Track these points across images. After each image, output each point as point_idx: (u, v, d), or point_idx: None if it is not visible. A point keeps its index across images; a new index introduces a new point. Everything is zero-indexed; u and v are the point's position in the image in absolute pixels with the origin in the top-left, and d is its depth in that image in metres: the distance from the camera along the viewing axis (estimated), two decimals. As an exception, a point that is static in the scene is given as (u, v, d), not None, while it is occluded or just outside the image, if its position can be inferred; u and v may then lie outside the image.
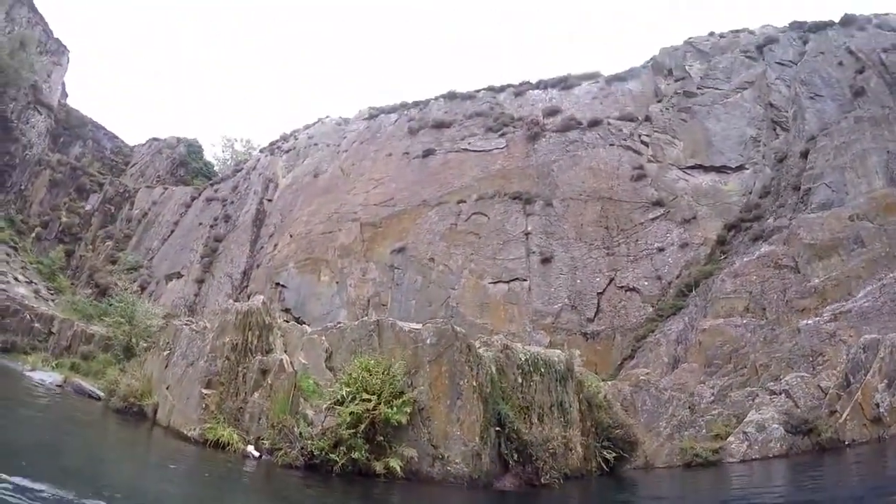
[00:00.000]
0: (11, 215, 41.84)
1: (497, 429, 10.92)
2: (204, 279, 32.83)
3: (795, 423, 15.78)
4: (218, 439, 11.33)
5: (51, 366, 20.83)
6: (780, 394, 16.77)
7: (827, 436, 15.16)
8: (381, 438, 10.32)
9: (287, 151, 39.13)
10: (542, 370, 12.60)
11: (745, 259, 20.62)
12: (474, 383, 10.87)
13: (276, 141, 41.90)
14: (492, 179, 27.22)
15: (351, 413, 10.41)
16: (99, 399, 16.31)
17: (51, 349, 23.82)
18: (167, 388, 14.28)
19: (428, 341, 11.36)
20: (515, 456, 10.84)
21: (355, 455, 10.11)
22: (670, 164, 25.56)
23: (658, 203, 23.89)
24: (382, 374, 10.79)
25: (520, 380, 12.11)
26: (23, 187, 44.16)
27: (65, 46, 48.53)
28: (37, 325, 25.23)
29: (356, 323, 13.06)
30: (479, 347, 12.02)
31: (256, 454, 10.96)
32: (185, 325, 16.36)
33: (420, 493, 9.75)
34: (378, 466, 10.06)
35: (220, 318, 14.09)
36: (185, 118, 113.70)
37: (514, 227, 24.86)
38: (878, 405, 14.88)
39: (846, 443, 14.90)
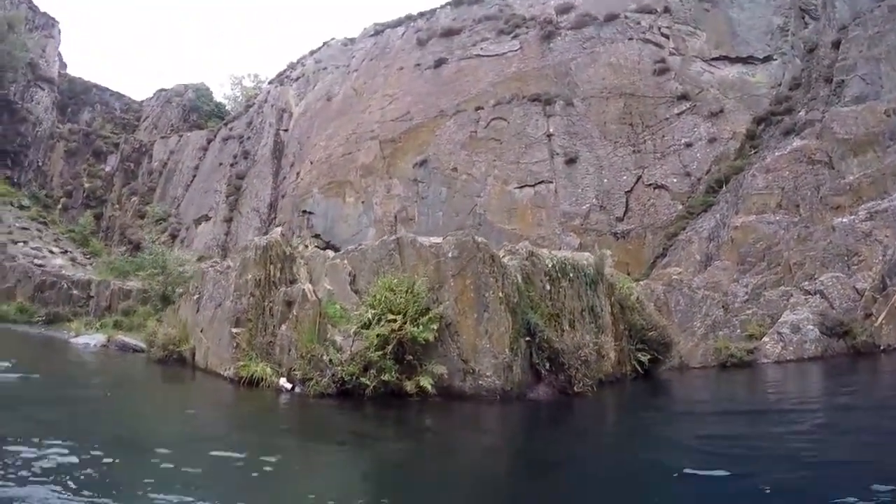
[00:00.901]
0: (35, 192, 42.39)
1: (527, 339, 10.56)
2: (232, 217, 32.85)
3: (830, 324, 15.36)
4: (252, 376, 11.30)
5: (94, 328, 21.21)
6: (815, 294, 16.26)
7: (862, 339, 14.82)
8: (411, 358, 10.07)
9: (296, 80, 37.99)
10: (571, 275, 12.09)
11: (776, 154, 19.53)
12: (500, 294, 10.42)
13: (284, 71, 40.62)
14: (508, 83, 25.91)
15: (378, 335, 10.14)
16: (142, 351, 16.51)
17: (92, 312, 24.29)
18: (201, 332, 14.34)
19: (450, 255, 10.85)
20: (547, 365, 10.50)
21: (386, 377, 9.91)
22: (694, 56, 23.93)
23: (683, 97, 22.52)
24: (406, 292, 10.40)
25: (548, 287, 11.62)
26: (40, 163, 44.51)
27: (53, 19, 47.81)
28: (75, 291, 25.67)
29: (376, 243, 12.58)
30: (504, 256, 11.51)
31: (289, 386, 10.90)
32: (210, 267, 16.26)
33: (453, 409, 9.57)
34: (409, 386, 9.87)
35: (240, 255, 13.84)
36: (188, 65, 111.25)
37: (535, 129, 23.84)
38: None
39: (881, 347, 14.59)
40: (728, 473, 5.40)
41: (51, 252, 36.08)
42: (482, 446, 7.42)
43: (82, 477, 4.71)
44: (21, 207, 40.38)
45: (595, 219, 20.99)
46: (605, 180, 21.68)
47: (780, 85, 22.16)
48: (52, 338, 19.52)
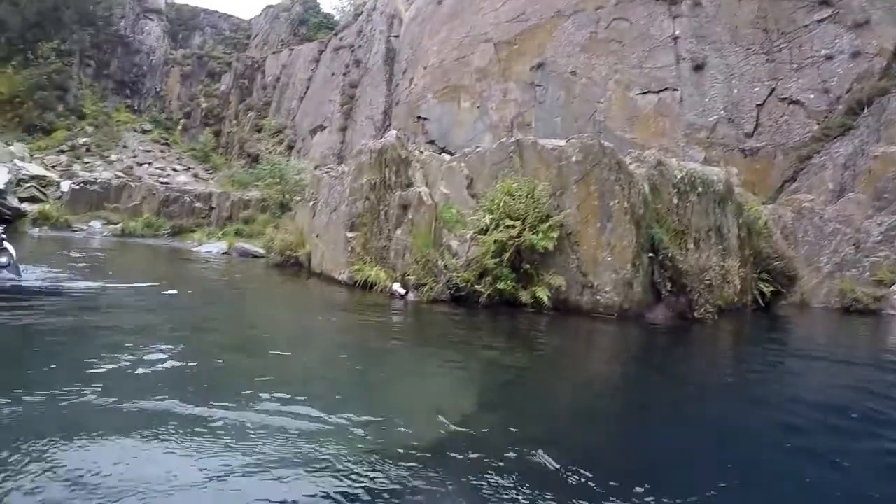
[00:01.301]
0: (155, 116, 44.87)
1: (650, 255, 9.88)
2: (346, 126, 33.19)
3: None
4: (366, 279, 11.41)
5: (216, 237, 22.30)
6: None
7: None
8: (528, 266, 9.75)
9: (405, -16, 36.78)
10: (700, 189, 11.10)
11: None
12: (626, 204, 9.73)
13: (393, -24, 39.37)
14: (630, -19, 23.66)
15: (495, 241, 9.84)
16: (261, 257, 17.19)
17: (214, 222, 25.57)
18: (316, 237, 14.61)
19: (573, 159, 10.15)
20: (669, 286, 9.82)
21: (501, 285, 9.68)
22: None
23: (825, 2, 19.58)
24: (526, 197, 9.91)
25: (675, 200, 10.73)
26: (158, 89, 46.75)
27: (155, -49, 48.40)
28: (197, 204, 26.99)
29: (495, 145, 12.00)
30: (630, 164, 10.66)
31: (402, 291, 10.90)
32: (326, 172, 16.39)
33: (567, 323, 9.17)
34: (525, 296, 9.59)
35: (355, 159, 13.79)
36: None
37: (659, 31, 21.75)
38: None
39: None
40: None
41: (174, 170, 38.51)
42: (598, 364, 7.08)
43: (196, 374, 4.81)
44: (144, 132, 43.10)
45: (722, 132, 19.21)
46: (735, 91, 19.61)
47: None
48: (178, 248, 20.62)
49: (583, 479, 3.23)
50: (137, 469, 2.95)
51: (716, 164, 15.32)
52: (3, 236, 8.67)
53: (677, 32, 21.38)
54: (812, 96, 18.68)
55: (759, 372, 6.98)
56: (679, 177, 10.93)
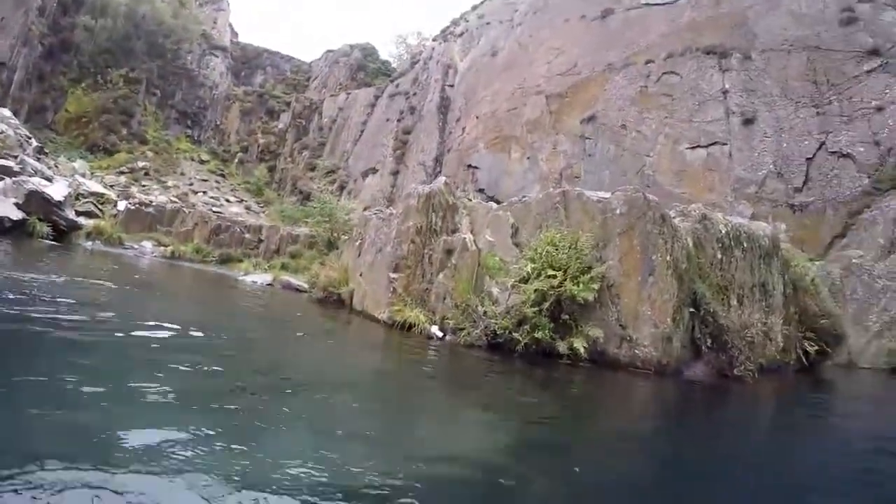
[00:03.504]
0: (213, 148, 46.66)
1: (691, 310, 9.54)
2: (398, 170, 33.75)
3: None
4: (405, 320, 11.34)
5: (262, 268, 22.59)
6: None
7: None
8: (567, 317, 9.50)
9: (460, 35, 37.68)
10: (745, 245, 10.77)
11: None
12: (668, 258, 9.47)
13: (448, 27, 40.44)
14: (680, 34, 23.56)
15: (535, 290, 9.67)
16: (304, 291, 17.36)
17: (262, 254, 25.83)
18: (360, 276, 14.66)
19: (618, 211, 10.00)
20: (709, 342, 9.46)
21: (539, 334, 9.45)
22: (886, 3, 20.03)
23: (874, 52, 19.03)
24: (569, 248, 9.78)
25: (719, 255, 10.42)
26: (218, 122, 48.78)
27: (222, -8, 51.23)
28: (247, 235, 27.39)
29: (542, 195, 11.93)
30: (675, 217, 10.44)
31: (440, 334, 10.81)
32: (374, 213, 16.59)
33: (603, 377, 8.94)
34: (562, 346, 9.33)
35: (403, 203, 13.91)
36: (354, 25, 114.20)
37: (709, 85, 21.56)
38: None
39: None
40: None
41: (227, 201, 39.73)
42: (624, 420, 6.78)
43: (228, 406, 4.79)
44: (201, 162, 44.82)
45: (771, 187, 18.69)
46: (785, 144, 19.12)
47: None
48: (224, 275, 20.95)
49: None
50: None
51: (764, 219, 14.94)
52: None
53: (727, 86, 21.13)
54: (862, 149, 18.04)
55: (783, 440, 6.60)
56: (724, 231, 10.64)
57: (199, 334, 7.57)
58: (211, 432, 3.96)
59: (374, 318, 12.70)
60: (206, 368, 5.84)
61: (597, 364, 9.33)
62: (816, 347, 11.53)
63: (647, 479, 4.53)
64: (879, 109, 18.25)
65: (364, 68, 51.29)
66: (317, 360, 8.13)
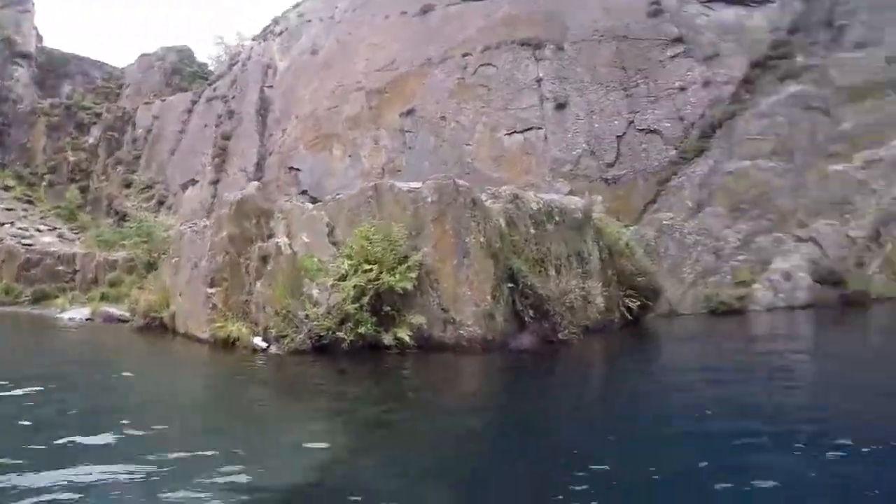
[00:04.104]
0: (18, 171, 41.57)
1: (510, 285, 10.10)
2: (219, 179, 32.12)
3: (823, 273, 15.44)
4: (228, 336, 10.89)
5: (80, 302, 20.69)
6: (808, 241, 16.25)
7: (854, 288, 14.90)
8: (389, 308, 9.68)
9: (280, 34, 36.81)
10: (557, 219, 11.60)
11: (772, 99, 19.05)
12: (482, 239, 9.95)
13: (268, 26, 39.36)
14: (496, 28, 24.81)
15: (354, 286, 9.72)
16: (127, 321, 16.13)
17: (78, 286, 23.56)
18: (179, 295, 13.84)
19: (429, 199, 10.33)
20: (531, 312, 10.06)
21: (362, 329, 9.52)
22: None
23: (678, 40, 21.54)
24: (382, 240, 9.93)
25: (532, 231, 11.11)
26: (23, 141, 43.52)
27: (26, -8, 46.18)
28: (60, 267, 24.86)
29: (354, 191, 12.04)
30: (487, 200, 10.97)
31: (264, 345, 10.47)
32: (189, 227, 15.76)
33: (432, 360, 9.21)
34: (387, 338, 9.49)
35: (215, 213, 13.32)
36: (170, 27, 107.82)
37: (524, 75, 22.91)
38: None
39: (873, 297, 14.69)
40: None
41: (38, 231, 35.54)
42: (463, 401, 7.03)
43: (42, 447, 4.42)
44: (6, 188, 39.77)
45: (585, 164, 20.28)
46: (596, 125, 20.89)
47: (778, 29, 21.12)
48: (39, 316, 19.31)
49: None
50: None
51: (581, 194, 16.15)
52: None
53: (541, 75, 22.61)
54: (668, 125, 20.20)
55: (609, 385, 7.23)
56: (536, 208, 11.35)
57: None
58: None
59: (197, 338, 12.09)
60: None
61: (424, 350, 9.57)
62: (638, 303, 12.72)
63: (484, 452, 4.67)
64: (682, 89, 20.60)
65: (180, 72, 48.32)
66: (134, 394, 7.53)
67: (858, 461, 4.29)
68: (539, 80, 22.53)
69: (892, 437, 4.76)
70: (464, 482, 4.03)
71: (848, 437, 4.72)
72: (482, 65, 23.91)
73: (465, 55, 24.53)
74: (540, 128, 21.66)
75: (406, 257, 9.82)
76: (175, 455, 4.49)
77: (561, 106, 21.62)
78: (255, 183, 14.60)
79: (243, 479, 3.77)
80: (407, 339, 9.39)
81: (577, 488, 3.62)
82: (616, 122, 20.68)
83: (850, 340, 11.09)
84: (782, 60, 20.15)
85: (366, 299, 9.61)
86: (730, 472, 4.07)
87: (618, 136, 20.37)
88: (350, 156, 25.75)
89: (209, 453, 4.59)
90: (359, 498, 3.61)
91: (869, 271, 15.21)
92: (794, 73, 19.45)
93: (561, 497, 3.51)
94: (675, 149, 19.62)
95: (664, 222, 17.00)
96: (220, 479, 3.75)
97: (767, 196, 17.44)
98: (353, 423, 5.61)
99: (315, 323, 9.87)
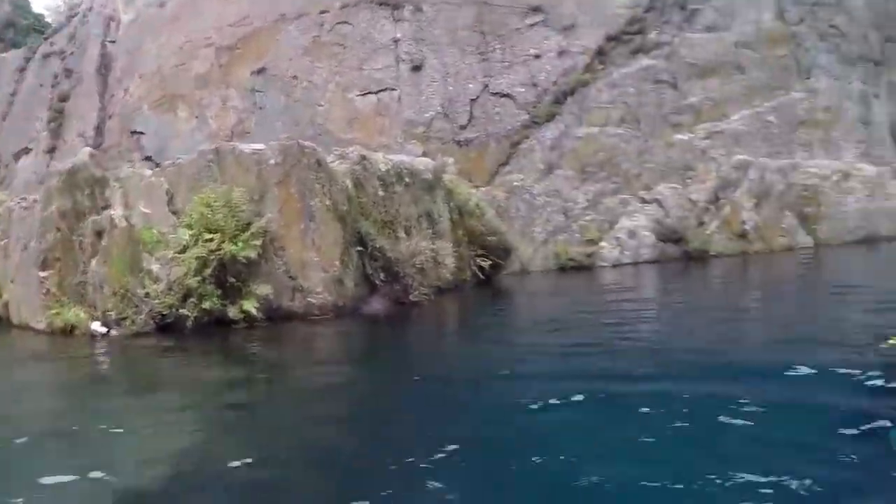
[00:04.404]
0: None
1: (359, 249, 10.08)
2: (56, 146, 28.91)
3: (665, 231, 16.70)
4: (66, 324, 10.02)
5: None
6: (652, 203, 17.45)
7: (694, 245, 16.36)
8: (234, 280, 9.26)
9: (124, -16, 33.44)
10: (407, 180, 11.64)
11: (623, 71, 20.05)
12: (328, 202, 9.80)
13: (110, -25, 35.63)
14: (358, -15, 24.13)
15: (196, 258, 9.18)
16: None
17: None
18: (11, 282, 12.41)
19: (272, 161, 9.95)
20: (381, 275, 10.14)
21: (207, 304, 9.09)
22: None
23: (537, 9, 21.95)
24: (224, 206, 9.43)
25: (381, 192, 11.06)
26: None
27: None
28: None
29: (194, 154, 11.30)
30: (333, 161, 10.76)
31: (103, 330, 9.68)
32: (17, 203, 14.17)
33: (282, 332, 9.05)
34: (233, 311, 9.11)
35: (44, 185, 12.08)
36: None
37: (381, 34, 22.39)
38: (744, 222, 16.58)
39: (711, 253, 16.24)
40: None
41: None
42: (317, 375, 6.83)
43: None
44: None
45: (438, 126, 20.39)
46: (451, 88, 20.99)
47: (636, 6, 21.87)
48: None
49: None
50: None
51: (434, 156, 16.34)
52: None
53: (398, 35, 22.25)
54: (522, 90, 20.76)
55: (456, 343, 7.56)
56: (384, 170, 11.30)
57: None
58: None
59: (33, 328, 10.97)
60: None
61: (273, 321, 9.32)
62: (489, 262, 13.19)
63: (343, 432, 4.58)
64: (538, 57, 21.16)
65: (14, 24, 42.62)
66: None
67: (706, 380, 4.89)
68: (396, 41, 22.19)
69: (738, 359, 5.48)
70: (329, 465, 3.92)
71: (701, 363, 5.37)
72: (339, 23, 23.08)
73: (322, 12, 23.57)
74: (394, 89, 21.43)
75: (249, 224, 9.43)
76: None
77: (417, 68, 21.49)
78: (88, 149, 13.32)
79: (80, 488, 3.50)
80: (254, 311, 9.07)
81: (438, 456, 3.65)
82: (471, 86, 20.92)
83: (690, 288, 12.37)
84: (636, 36, 21.07)
85: (208, 271, 9.15)
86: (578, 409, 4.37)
87: (472, 100, 20.64)
88: (197, 117, 24.10)
89: (40, 461, 4.21)
90: (221, 494, 3.49)
91: (708, 231, 16.70)
92: (647, 49, 20.56)
93: (424, 466, 3.52)
94: (528, 113, 20.25)
95: (515, 184, 17.67)
96: (54, 491, 3.48)
97: (615, 160, 18.57)
98: (202, 412, 5.30)
99: (156, 301, 9.29)
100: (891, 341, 4.54)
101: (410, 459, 3.58)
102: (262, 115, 22.83)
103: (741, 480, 2.94)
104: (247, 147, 10.54)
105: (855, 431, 3.52)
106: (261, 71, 23.35)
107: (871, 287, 9.81)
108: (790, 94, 20.05)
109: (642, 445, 3.58)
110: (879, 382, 4.35)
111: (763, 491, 2.83)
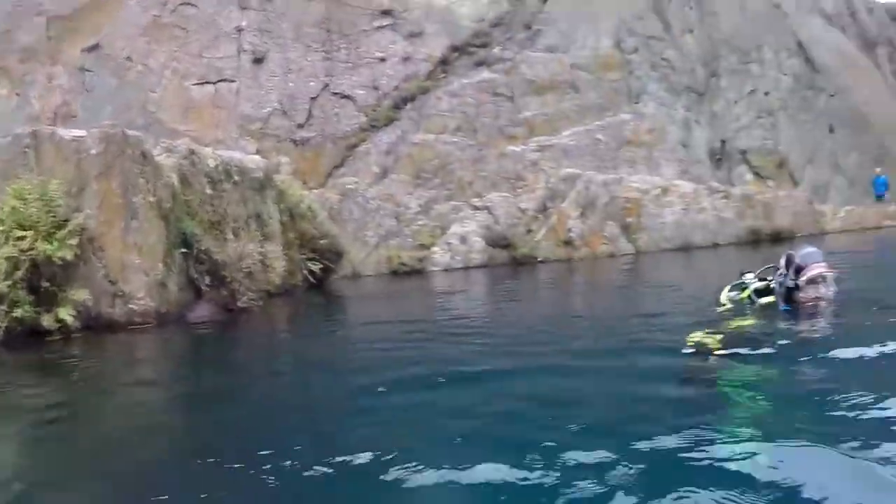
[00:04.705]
0: None
1: (184, 250, 9.59)
2: None
3: (495, 238, 17.70)
4: None
5: None
6: (483, 210, 18.49)
7: (523, 251, 17.41)
8: (48, 284, 8.35)
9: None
10: (236, 178, 11.22)
11: (464, 81, 21.12)
12: (152, 198, 9.13)
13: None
14: (207, -34, 22.67)
15: (6, 258, 8.21)
16: None
17: None
18: None
19: (93, 150, 8.96)
20: (207, 280, 9.73)
21: (19, 312, 8.13)
22: None
23: (387, 13, 22.36)
24: (38, 200, 8.44)
25: (209, 190, 10.52)
26: None
27: None
28: None
29: (7, 139, 9.86)
30: (160, 154, 10.03)
31: None
32: None
33: (100, 344, 8.29)
34: (48, 320, 8.22)
35: None
36: None
37: (227, 21, 21.52)
38: (570, 230, 17.78)
39: (539, 259, 17.36)
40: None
41: None
42: (138, 392, 6.14)
43: None
44: None
45: (276, 124, 20.19)
46: (292, 84, 20.83)
47: (483, 21, 23.18)
48: None
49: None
50: None
51: (268, 154, 16.21)
52: None
53: (244, 24, 21.52)
54: (362, 92, 21.16)
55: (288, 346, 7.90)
56: (213, 166, 10.82)
57: None
58: None
59: None
60: None
61: (93, 330, 8.63)
62: (321, 266, 13.28)
63: (176, 449, 4.14)
64: (382, 60, 21.59)
65: None
66: None
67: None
68: (240, 30, 21.51)
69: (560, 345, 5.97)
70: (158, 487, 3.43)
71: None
72: (183, 3, 21.75)
73: (167, -10, 21.99)
74: (233, 80, 20.86)
75: (66, 220, 8.57)
76: None
77: (258, 60, 21.09)
78: None
79: None
80: (70, 319, 8.27)
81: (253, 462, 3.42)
82: (312, 84, 20.94)
83: (513, 291, 12.98)
84: (480, 49, 22.48)
85: (20, 274, 8.24)
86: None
87: (312, 98, 20.71)
88: (18, 95, 21.42)
89: None
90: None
91: (536, 238, 17.89)
92: (489, 62, 21.94)
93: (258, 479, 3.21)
94: (367, 116, 20.76)
95: (349, 186, 18.05)
96: None
97: (449, 167, 19.56)
98: (15, 442, 4.60)
99: (-41, 311, 8.21)
100: (692, 337, 4.86)
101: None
102: (90, 97, 21.03)
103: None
104: (67, 133, 9.52)
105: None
106: (93, 48, 21.34)
107: (681, 287, 11.04)
108: (619, 116, 22.18)
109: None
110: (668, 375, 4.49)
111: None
